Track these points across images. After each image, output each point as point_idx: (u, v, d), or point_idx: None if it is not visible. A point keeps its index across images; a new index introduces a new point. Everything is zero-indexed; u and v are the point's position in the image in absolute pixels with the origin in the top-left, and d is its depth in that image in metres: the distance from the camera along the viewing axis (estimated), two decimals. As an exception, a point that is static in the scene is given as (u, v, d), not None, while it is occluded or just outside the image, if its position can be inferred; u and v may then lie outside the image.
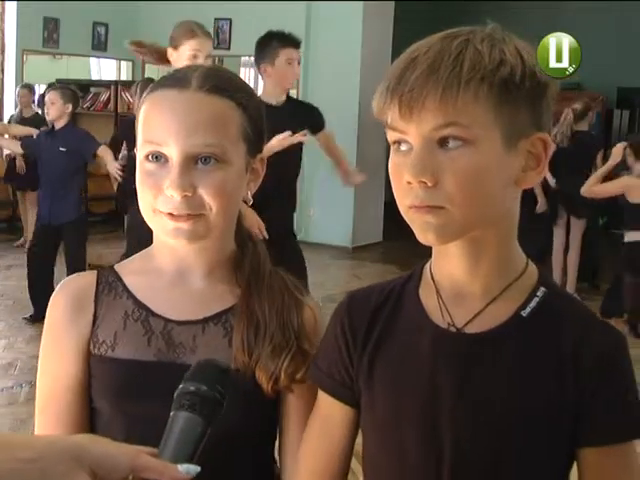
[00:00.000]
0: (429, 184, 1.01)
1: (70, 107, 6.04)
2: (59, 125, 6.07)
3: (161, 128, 1.19)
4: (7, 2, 9.69)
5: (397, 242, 9.01)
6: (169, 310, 1.26)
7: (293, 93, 10.52)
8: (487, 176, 1.02)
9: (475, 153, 1.01)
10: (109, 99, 10.48)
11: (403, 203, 1.05)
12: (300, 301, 1.28)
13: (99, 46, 10.61)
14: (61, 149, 5.99)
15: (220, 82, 1.22)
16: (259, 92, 4.07)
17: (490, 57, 1.01)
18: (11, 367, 5.17)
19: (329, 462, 1.19)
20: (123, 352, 1.24)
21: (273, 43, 4.15)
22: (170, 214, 1.18)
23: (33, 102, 9.08)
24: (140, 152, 1.20)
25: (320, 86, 9.62)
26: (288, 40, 4.19)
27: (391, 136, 1.06)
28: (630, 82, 11.82)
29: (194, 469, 0.93)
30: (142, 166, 1.20)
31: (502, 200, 1.06)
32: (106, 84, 10.73)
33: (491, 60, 1.00)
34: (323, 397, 1.19)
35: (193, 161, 1.18)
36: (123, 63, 11.26)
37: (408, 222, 1.06)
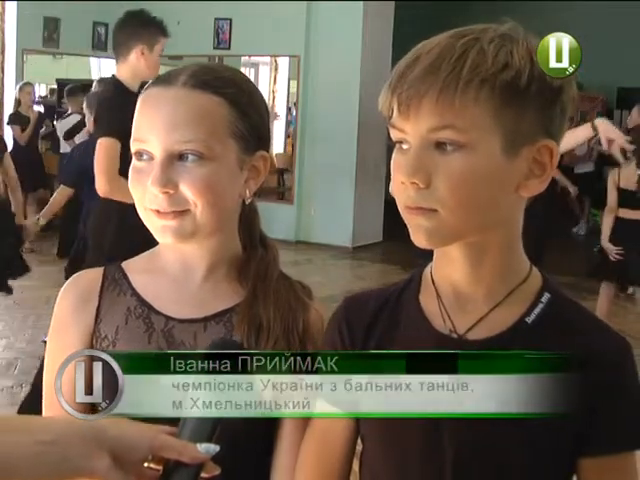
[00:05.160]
0: (421, 185, 1.00)
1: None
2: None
3: (145, 126, 1.19)
4: (7, 2, 9.68)
5: (397, 242, 9.03)
6: (171, 308, 1.25)
7: (293, 94, 10.58)
8: (481, 181, 1.00)
9: (470, 157, 0.99)
10: (109, 99, 10.48)
11: (399, 202, 1.04)
12: (307, 304, 1.26)
13: (99, 46, 10.60)
14: None
15: (207, 78, 1.20)
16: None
17: (495, 59, 0.98)
18: (11, 367, 5.17)
19: (329, 474, 1.16)
20: (124, 349, 1.23)
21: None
22: (157, 211, 1.18)
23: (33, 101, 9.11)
24: (132, 150, 1.21)
25: (320, 86, 9.62)
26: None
27: (393, 134, 1.04)
28: (630, 82, 11.82)
29: (214, 448, 0.93)
30: (133, 164, 1.21)
31: (500, 206, 1.03)
32: (106, 84, 10.73)
33: (495, 62, 0.98)
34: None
35: (176, 158, 1.17)
36: (123, 63, 11.26)
37: (405, 222, 1.05)
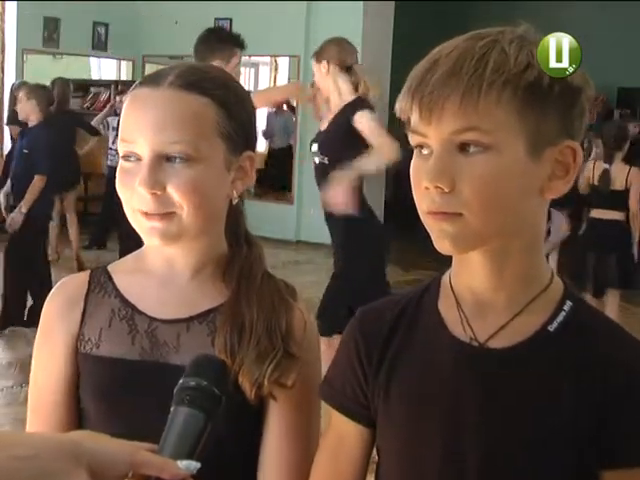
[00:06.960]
0: (446, 189, 0.98)
1: (36, 105, 5.80)
2: (30, 124, 5.91)
3: (132, 127, 1.18)
4: (7, 2, 9.68)
5: (397, 242, 9.03)
6: (155, 309, 1.24)
7: (293, 93, 10.55)
8: (507, 183, 0.98)
9: (495, 159, 0.97)
10: (109, 99, 10.49)
11: (421, 208, 1.02)
12: (291, 304, 1.25)
13: (99, 46, 10.60)
14: (24, 150, 5.86)
15: (195, 79, 1.19)
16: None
17: (516, 60, 0.97)
18: (11, 367, 5.18)
19: None
20: (107, 350, 1.23)
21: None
22: (144, 212, 1.18)
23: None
24: (119, 151, 1.20)
25: (320, 86, 9.61)
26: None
27: (413, 140, 1.03)
28: (630, 82, 11.81)
29: (195, 465, 0.92)
30: (120, 165, 1.20)
31: (524, 209, 1.02)
32: (106, 84, 10.74)
33: (517, 63, 0.97)
34: (336, 417, 1.15)
35: (163, 159, 1.16)
36: (123, 63, 11.26)
37: (427, 229, 1.03)
